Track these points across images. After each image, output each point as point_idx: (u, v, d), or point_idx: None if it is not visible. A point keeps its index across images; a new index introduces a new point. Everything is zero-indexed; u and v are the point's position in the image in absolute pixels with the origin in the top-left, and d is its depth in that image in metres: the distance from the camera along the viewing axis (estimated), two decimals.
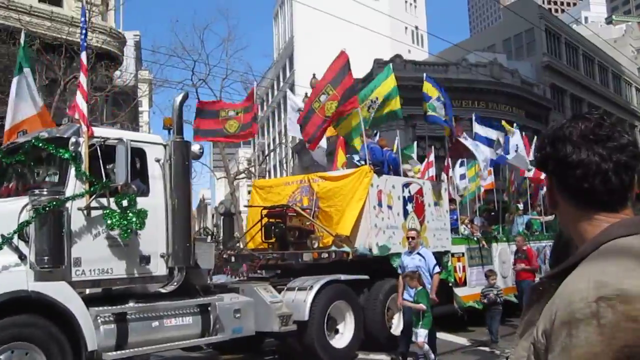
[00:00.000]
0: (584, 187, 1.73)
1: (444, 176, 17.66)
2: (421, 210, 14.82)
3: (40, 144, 9.30)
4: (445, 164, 18.34)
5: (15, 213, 8.52)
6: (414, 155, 19.31)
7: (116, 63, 31.36)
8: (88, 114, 9.54)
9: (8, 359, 7.93)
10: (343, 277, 12.71)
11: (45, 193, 8.56)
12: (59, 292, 8.56)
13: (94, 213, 9.11)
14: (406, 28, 78.49)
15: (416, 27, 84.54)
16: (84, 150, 9.12)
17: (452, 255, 15.65)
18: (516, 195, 22.48)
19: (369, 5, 42.58)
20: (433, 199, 15.34)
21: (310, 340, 11.86)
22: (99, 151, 9.20)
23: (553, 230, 21.05)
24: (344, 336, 12.63)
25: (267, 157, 60.22)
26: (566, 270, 1.68)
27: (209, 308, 10.47)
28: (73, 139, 9.04)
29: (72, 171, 9.08)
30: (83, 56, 9.65)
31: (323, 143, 15.96)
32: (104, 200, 9.16)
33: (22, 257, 8.45)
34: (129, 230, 9.13)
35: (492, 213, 20.00)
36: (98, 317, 8.96)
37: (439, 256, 15.17)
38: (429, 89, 16.26)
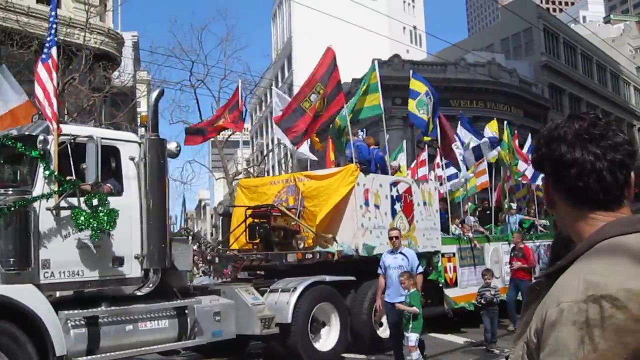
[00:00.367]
0: (579, 186, 1.73)
1: (432, 174, 17.35)
2: (410, 209, 14.49)
3: (9, 142, 8.98)
4: (435, 162, 18.05)
5: None
6: (403, 155, 18.99)
7: (114, 64, 31.26)
8: (58, 111, 9.21)
9: None
10: (328, 278, 12.39)
11: (10, 192, 8.27)
12: (26, 295, 8.24)
13: (64, 213, 8.81)
14: (404, 28, 78.19)
15: (414, 27, 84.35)
16: (53, 149, 8.82)
17: (443, 255, 15.31)
18: (513, 194, 22.19)
19: (367, 5, 42.38)
20: (422, 198, 15.00)
21: (293, 343, 11.55)
22: (69, 149, 8.88)
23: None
24: (329, 339, 12.32)
25: (266, 158, 59.90)
26: (562, 269, 1.68)
27: (187, 311, 10.16)
28: (41, 137, 8.73)
29: (41, 170, 8.77)
30: (53, 51, 9.30)
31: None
32: (74, 200, 8.85)
33: None
34: (100, 231, 8.82)
35: (487, 212, 19.67)
36: (68, 321, 8.65)
37: (429, 256, 14.92)
38: (416, 85, 15.99)
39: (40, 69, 9.12)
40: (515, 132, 23.18)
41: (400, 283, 11.25)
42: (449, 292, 15.21)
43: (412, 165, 18.87)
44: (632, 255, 1.58)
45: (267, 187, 14.39)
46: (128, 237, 9.49)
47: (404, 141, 19.61)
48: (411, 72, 16.74)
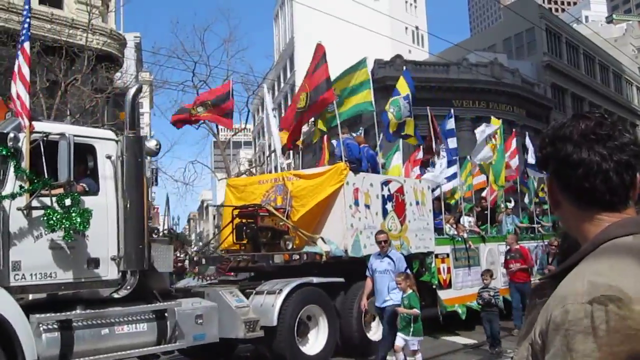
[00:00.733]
0: (585, 186, 1.72)
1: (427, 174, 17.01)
2: (402, 209, 14.15)
3: None
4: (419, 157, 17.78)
5: None
6: (400, 154, 18.63)
7: (116, 65, 31.18)
8: (30, 107, 8.91)
9: None
10: (316, 280, 12.07)
11: None
12: None
13: (36, 213, 8.51)
14: (406, 28, 78.09)
15: (416, 27, 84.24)
16: (25, 147, 8.53)
17: (436, 256, 14.98)
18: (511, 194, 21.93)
19: (369, 6, 42.25)
20: (415, 198, 14.66)
21: (279, 346, 11.23)
22: (42, 147, 8.59)
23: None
24: (317, 342, 11.98)
25: (269, 158, 59.74)
26: (567, 270, 1.67)
27: (166, 314, 9.84)
28: (12, 135, 8.44)
29: (11, 168, 8.48)
30: (26, 45, 9.00)
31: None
32: (47, 200, 8.55)
33: None
34: (73, 232, 8.51)
35: (485, 212, 19.38)
36: (40, 325, 8.35)
37: (422, 257, 14.61)
38: (401, 85, 15.71)
39: (22, 63, 8.83)
40: (514, 130, 22.88)
41: (396, 284, 11.02)
42: (442, 294, 14.88)
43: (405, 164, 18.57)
44: (638, 256, 1.57)
45: (256, 187, 14.09)
46: (104, 238, 9.18)
47: (400, 140, 19.25)
48: (404, 69, 16.41)
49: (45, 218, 8.42)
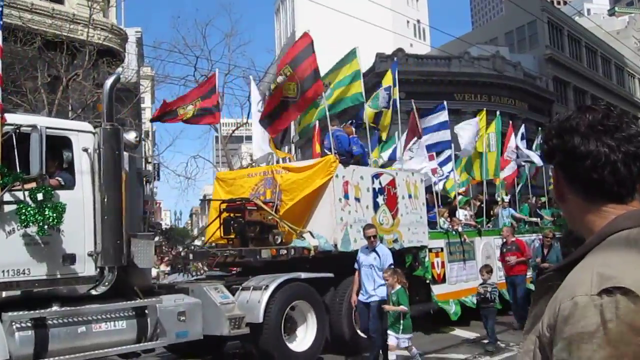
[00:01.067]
0: (593, 178, 1.71)
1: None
2: (394, 202, 13.86)
3: None
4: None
5: None
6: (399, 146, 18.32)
7: (118, 60, 31.00)
8: (2, 100, 8.63)
9: None
10: (304, 275, 11.80)
11: None
12: None
13: (7, 208, 8.24)
14: (408, 22, 77.93)
15: (418, 21, 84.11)
16: None
17: (430, 250, 14.69)
18: (508, 187, 21.68)
19: None
20: (407, 191, 14.36)
21: (265, 344, 10.96)
22: (14, 140, 8.31)
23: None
24: (305, 339, 11.71)
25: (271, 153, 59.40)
26: (573, 263, 1.66)
27: (147, 311, 9.57)
28: None
29: None
30: None
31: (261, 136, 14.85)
32: (20, 194, 8.27)
33: None
34: (46, 227, 8.23)
35: (481, 204, 19.14)
36: (13, 323, 8.11)
37: (415, 251, 14.33)
38: (387, 77, 15.46)
39: None
40: (510, 122, 22.60)
41: (384, 280, 10.76)
42: (437, 289, 14.61)
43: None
44: None
45: (245, 180, 13.79)
46: (80, 233, 8.90)
47: (396, 133, 18.95)
48: (395, 60, 16.11)
49: (17, 213, 8.16)
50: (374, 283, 11.02)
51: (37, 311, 8.39)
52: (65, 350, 8.50)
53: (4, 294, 8.46)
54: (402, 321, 10.45)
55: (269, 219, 12.53)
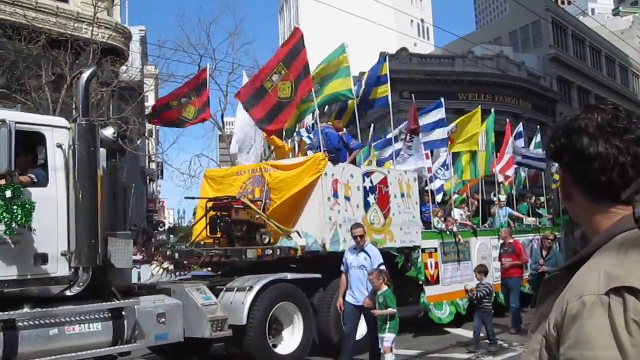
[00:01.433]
0: (601, 180, 1.70)
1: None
2: (385, 201, 13.53)
3: None
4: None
5: None
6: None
7: (122, 58, 30.87)
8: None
9: None
10: (290, 275, 11.48)
11: None
12: None
13: None
14: (412, 21, 78.03)
15: (422, 20, 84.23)
16: None
17: (423, 250, 14.35)
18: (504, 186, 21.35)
19: None
20: (400, 190, 14.02)
21: (249, 346, 10.64)
22: None
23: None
24: (291, 341, 11.40)
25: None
26: (579, 263, 1.67)
27: (124, 312, 9.27)
28: None
29: None
30: None
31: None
32: None
33: None
34: (14, 225, 7.94)
35: (476, 204, 18.86)
36: None
37: (408, 252, 14.00)
38: (383, 68, 15.16)
39: None
40: (507, 120, 22.30)
41: (369, 282, 10.40)
42: (430, 290, 14.26)
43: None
44: None
45: (234, 178, 13.44)
46: (53, 232, 8.61)
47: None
48: (386, 55, 15.76)
49: None
50: (366, 285, 10.63)
51: (6, 312, 8.09)
52: (35, 353, 8.22)
53: None
54: (389, 322, 10.14)
55: (256, 217, 12.24)
